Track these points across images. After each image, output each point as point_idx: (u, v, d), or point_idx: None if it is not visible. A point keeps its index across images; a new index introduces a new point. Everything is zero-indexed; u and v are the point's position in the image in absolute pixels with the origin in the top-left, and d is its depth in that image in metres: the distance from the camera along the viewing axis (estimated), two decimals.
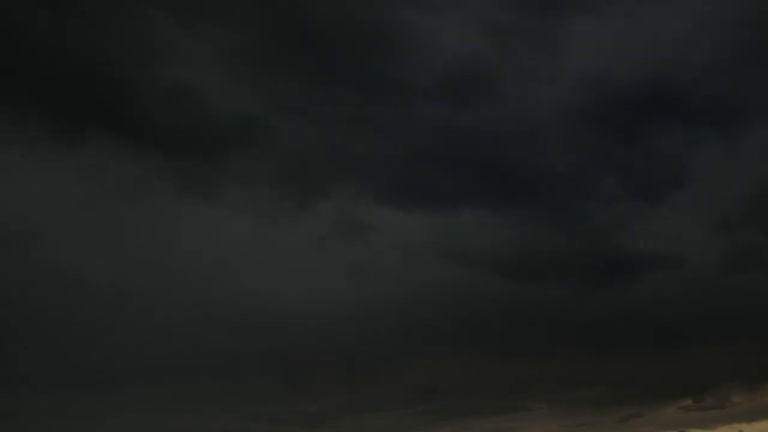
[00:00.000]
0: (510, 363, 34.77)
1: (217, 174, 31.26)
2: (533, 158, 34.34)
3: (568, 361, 35.19)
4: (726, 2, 34.49)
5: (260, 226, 31.37)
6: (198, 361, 30.31)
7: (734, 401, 36.24)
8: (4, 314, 27.59)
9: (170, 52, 28.70)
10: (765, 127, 36.72)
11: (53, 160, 28.59)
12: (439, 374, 33.95)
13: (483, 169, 34.62)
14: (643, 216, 35.26)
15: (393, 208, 32.89)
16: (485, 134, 33.69)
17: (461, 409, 34.35)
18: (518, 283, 34.66)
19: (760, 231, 35.86)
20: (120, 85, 28.70)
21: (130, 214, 30.21)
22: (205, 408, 30.67)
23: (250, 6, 29.45)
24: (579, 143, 34.96)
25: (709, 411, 36.00)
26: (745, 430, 35.89)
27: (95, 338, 29.33)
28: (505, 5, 32.31)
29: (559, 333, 34.92)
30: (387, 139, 32.66)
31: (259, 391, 31.63)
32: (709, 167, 36.28)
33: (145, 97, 29.23)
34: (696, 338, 35.53)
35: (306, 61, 30.64)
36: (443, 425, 34.17)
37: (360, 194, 32.50)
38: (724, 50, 35.19)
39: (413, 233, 33.17)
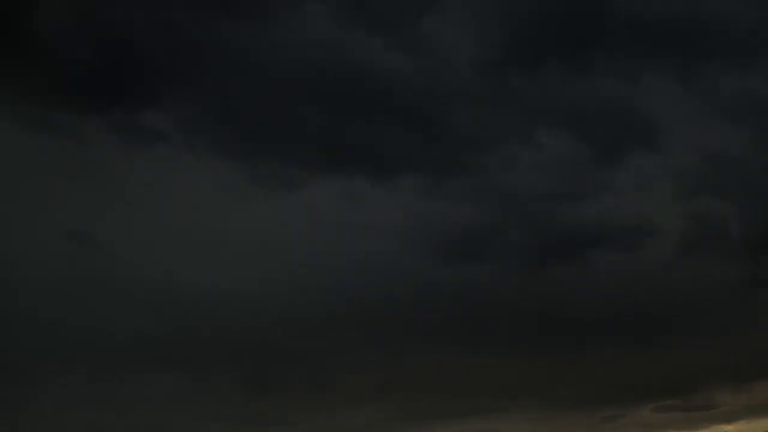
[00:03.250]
0: (468, 359, 30.94)
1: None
2: (455, 110, 28.94)
3: (531, 355, 31.59)
4: None
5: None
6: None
7: (712, 402, 32.65)
8: None
9: None
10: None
11: None
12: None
13: (396, 124, 29.07)
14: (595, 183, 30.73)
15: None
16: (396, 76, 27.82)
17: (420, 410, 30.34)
18: (455, 266, 30.09)
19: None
20: None
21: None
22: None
23: None
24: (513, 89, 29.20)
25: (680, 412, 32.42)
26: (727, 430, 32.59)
27: None
28: None
29: (512, 322, 31.21)
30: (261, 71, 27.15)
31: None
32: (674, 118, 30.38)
33: None
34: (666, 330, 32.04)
35: None
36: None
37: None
38: None
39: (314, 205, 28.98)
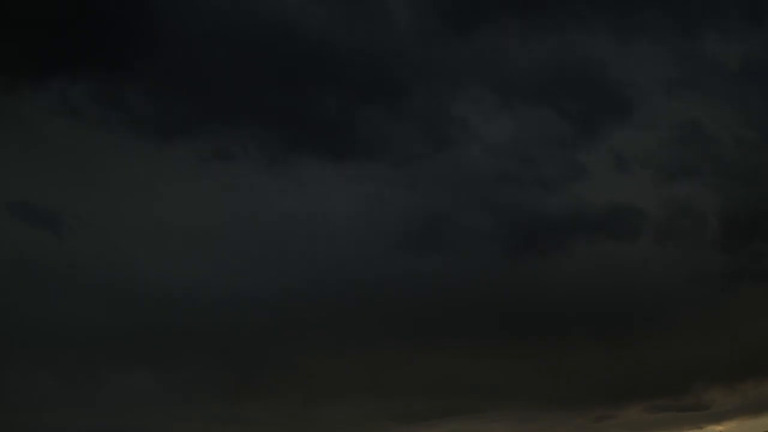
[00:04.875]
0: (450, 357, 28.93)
1: None
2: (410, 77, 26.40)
3: (511, 351, 29.17)
4: None
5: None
6: None
7: (704, 402, 31.05)
8: None
9: None
10: None
11: None
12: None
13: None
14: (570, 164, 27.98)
15: None
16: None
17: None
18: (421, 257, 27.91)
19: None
20: None
21: None
22: None
23: None
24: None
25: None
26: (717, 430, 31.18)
27: None
28: None
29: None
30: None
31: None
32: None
33: None
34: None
35: None
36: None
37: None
38: None
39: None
